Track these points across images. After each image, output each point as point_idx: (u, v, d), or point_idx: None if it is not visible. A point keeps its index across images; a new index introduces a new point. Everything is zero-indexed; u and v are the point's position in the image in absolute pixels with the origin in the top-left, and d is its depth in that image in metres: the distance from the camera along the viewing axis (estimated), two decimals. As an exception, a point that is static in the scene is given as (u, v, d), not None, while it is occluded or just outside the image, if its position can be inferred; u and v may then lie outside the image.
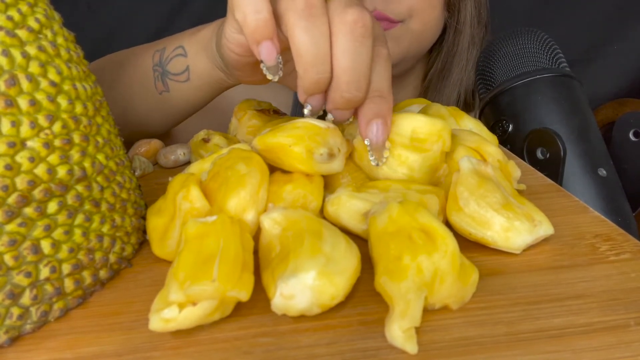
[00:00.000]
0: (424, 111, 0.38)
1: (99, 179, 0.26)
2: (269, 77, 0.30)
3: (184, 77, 0.46)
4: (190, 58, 0.46)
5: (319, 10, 0.26)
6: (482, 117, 0.48)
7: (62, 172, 0.23)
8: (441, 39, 0.69)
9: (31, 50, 0.23)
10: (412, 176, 0.29)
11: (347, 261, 0.23)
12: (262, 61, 0.28)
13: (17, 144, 0.22)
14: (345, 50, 0.26)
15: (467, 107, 0.69)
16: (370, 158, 0.29)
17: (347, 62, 0.27)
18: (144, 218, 0.30)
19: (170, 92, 0.48)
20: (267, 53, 0.27)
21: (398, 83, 0.72)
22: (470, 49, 0.68)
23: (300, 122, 0.29)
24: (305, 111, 0.30)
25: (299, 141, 0.28)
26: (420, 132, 0.29)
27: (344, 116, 0.30)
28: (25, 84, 0.22)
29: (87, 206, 0.25)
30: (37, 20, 0.24)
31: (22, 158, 0.22)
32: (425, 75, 0.73)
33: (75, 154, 0.24)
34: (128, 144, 0.37)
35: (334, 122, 0.30)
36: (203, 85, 0.46)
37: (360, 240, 0.27)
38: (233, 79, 0.43)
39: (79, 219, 0.24)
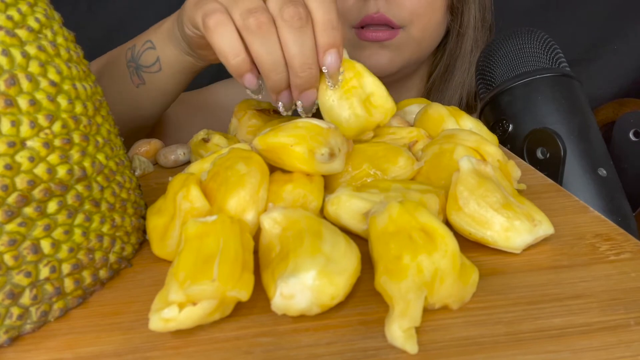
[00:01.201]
0: (424, 110, 0.38)
1: (99, 178, 0.26)
2: (254, 97, 0.37)
3: (156, 68, 0.50)
4: (159, 49, 0.49)
5: (267, 25, 0.33)
6: (482, 117, 0.48)
7: (62, 171, 0.23)
8: (445, 41, 0.69)
9: (31, 50, 0.23)
10: (342, 123, 0.34)
11: (347, 261, 0.23)
12: (247, 87, 0.36)
13: (17, 144, 0.22)
14: (290, 41, 0.33)
15: (468, 109, 0.69)
16: (328, 83, 0.35)
17: (294, 50, 0.33)
18: (144, 218, 0.30)
19: (147, 84, 0.51)
20: (249, 83, 0.35)
21: (402, 85, 0.72)
22: (473, 52, 0.68)
23: (301, 122, 0.29)
24: (280, 108, 0.37)
25: (301, 141, 0.28)
26: (376, 99, 0.35)
27: (309, 99, 0.36)
28: (25, 84, 0.22)
29: (87, 206, 0.25)
30: (37, 20, 0.24)
31: (22, 158, 0.22)
32: (428, 77, 0.73)
33: (75, 154, 0.24)
34: (128, 144, 0.37)
35: (305, 111, 0.36)
36: (175, 73, 0.50)
37: (360, 240, 0.27)
38: (201, 61, 0.48)
39: (79, 218, 0.24)
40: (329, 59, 0.34)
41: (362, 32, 0.61)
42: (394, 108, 0.35)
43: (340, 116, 0.34)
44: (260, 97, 0.37)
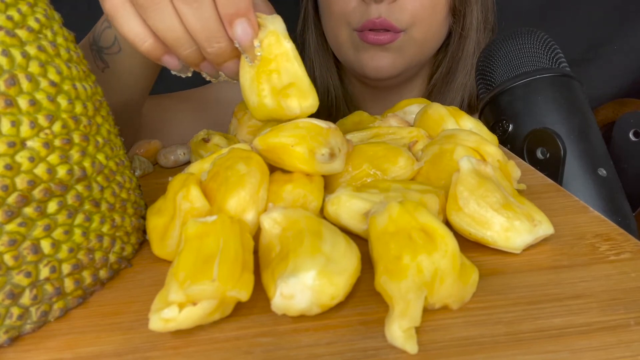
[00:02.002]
0: (424, 111, 0.38)
1: (99, 178, 0.26)
2: (182, 76, 0.35)
3: (116, 49, 0.48)
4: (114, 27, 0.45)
5: (164, 3, 0.30)
6: (482, 117, 0.48)
7: (62, 172, 0.23)
8: (447, 43, 0.69)
9: (31, 50, 0.23)
10: (250, 106, 0.32)
11: (347, 261, 0.23)
12: (170, 69, 0.34)
13: (17, 144, 0.22)
14: (188, 15, 0.30)
15: (470, 110, 0.69)
16: (246, 59, 0.31)
17: (194, 24, 0.30)
18: (144, 218, 0.30)
19: (111, 67, 0.49)
20: (170, 64, 0.33)
21: (404, 87, 0.72)
22: (475, 54, 0.68)
23: (302, 122, 0.29)
24: (205, 77, 0.35)
25: (301, 141, 0.28)
26: (293, 91, 0.31)
27: (231, 70, 0.33)
28: (25, 84, 0.22)
29: (87, 206, 0.25)
30: (37, 20, 0.24)
31: (22, 158, 0.22)
32: (429, 79, 0.73)
33: (75, 154, 0.24)
34: (128, 144, 0.37)
35: (229, 77, 0.34)
36: (134, 52, 0.46)
37: (360, 240, 0.27)
38: None
39: (79, 218, 0.24)
40: (238, 30, 0.30)
41: (364, 35, 0.61)
42: (314, 106, 0.31)
43: (249, 99, 0.32)
44: (189, 75, 0.35)
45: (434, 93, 0.71)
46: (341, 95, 0.75)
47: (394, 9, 0.60)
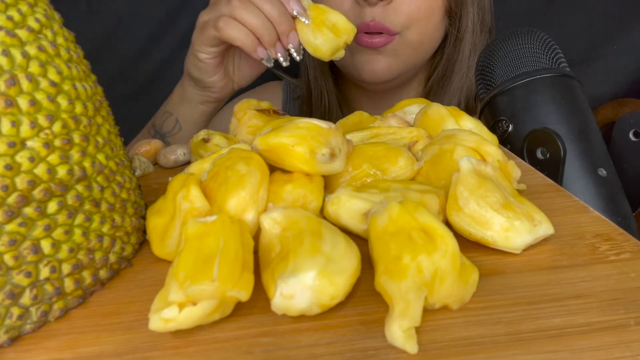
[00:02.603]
0: (424, 111, 0.38)
1: (99, 179, 0.26)
2: (268, 65, 0.52)
3: (176, 130, 0.61)
4: (175, 113, 0.61)
5: (245, 3, 0.50)
6: (482, 117, 0.48)
7: (62, 172, 0.23)
8: (443, 45, 0.69)
9: (31, 50, 0.23)
10: (320, 47, 0.50)
11: (347, 261, 0.23)
12: (260, 58, 0.51)
13: (17, 144, 0.22)
14: (265, 6, 0.49)
15: (468, 113, 0.69)
16: (303, 20, 0.50)
17: (270, 10, 0.49)
18: (144, 218, 0.30)
19: (170, 140, 0.62)
20: (261, 53, 0.51)
21: (400, 90, 0.72)
22: (472, 56, 0.67)
23: (302, 122, 0.29)
24: (281, 60, 0.51)
25: (302, 141, 0.28)
26: (340, 25, 0.50)
27: (294, 38, 0.50)
28: (25, 84, 0.22)
29: (87, 206, 0.25)
30: (37, 20, 0.24)
31: (22, 158, 0.22)
32: (426, 81, 0.73)
33: (75, 154, 0.24)
34: (128, 144, 0.37)
35: (296, 52, 0.51)
36: (193, 125, 0.60)
37: (360, 240, 0.27)
38: (211, 104, 0.60)
39: (79, 218, 0.24)
40: (292, 4, 0.49)
41: (358, 38, 0.61)
42: (354, 29, 0.50)
43: (316, 44, 0.50)
44: (272, 65, 0.52)
45: (431, 96, 0.70)
46: (335, 100, 0.75)
47: (388, 12, 0.60)
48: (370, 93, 0.73)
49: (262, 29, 0.49)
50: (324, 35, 0.49)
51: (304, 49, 0.51)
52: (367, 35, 0.61)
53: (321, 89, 0.74)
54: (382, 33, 0.60)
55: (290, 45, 0.50)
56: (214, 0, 0.53)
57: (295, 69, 0.72)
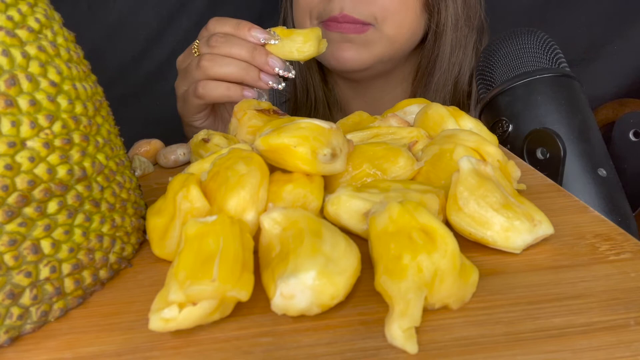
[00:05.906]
0: (424, 111, 0.38)
1: (99, 179, 0.26)
2: (263, 99, 0.49)
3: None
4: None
5: (212, 57, 0.50)
6: (482, 117, 0.48)
7: (62, 172, 0.23)
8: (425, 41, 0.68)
9: (31, 50, 0.23)
10: (300, 48, 0.49)
11: (347, 261, 0.23)
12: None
13: (17, 144, 0.22)
14: (237, 52, 0.49)
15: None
16: (272, 42, 0.49)
17: (241, 53, 0.49)
18: (144, 218, 0.30)
19: None
20: (250, 95, 0.49)
21: (384, 82, 0.71)
22: (456, 53, 0.66)
23: (303, 122, 0.29)
24: (275, 86, 0.50)
25: (304, 142, 0.28)
26: (305, 32, 0.50)
27: (275, 61, 0.49)
28: (25, 84, 0.22)
29: (87, 206, 0.25)
30: (37, 20, 0.24)
31: (22, 158, 0.22)
32: (415, 76, 0.72)
33: (75, 154, 0.24)
34: (128, 144, 0.37)
35: (286, 70, 0.49)
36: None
37: (360, 240, 0.27)
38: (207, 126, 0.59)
39: (79, 218, 0.24)
40: (255, 34, 0.48)
41: (327, 24, 0.61)
42: (319, 29, 0.50)
43: (297, 48, 0.49)
44: (265, 98, 0.49)
45: (418, 92, 0.70)
46: (322, 96, 0.74)
47: (358, 3, 0.59)
48: (354, 85, 0.72)
49: (240, 73, 0.48)
50: (299, 37, 0.49)
51: (291, 63, 0.50)
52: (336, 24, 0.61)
53: (308, 86, 0.74)
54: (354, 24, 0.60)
55: (276, 68, 0.48)
56: (183, 67, 0.53)
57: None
